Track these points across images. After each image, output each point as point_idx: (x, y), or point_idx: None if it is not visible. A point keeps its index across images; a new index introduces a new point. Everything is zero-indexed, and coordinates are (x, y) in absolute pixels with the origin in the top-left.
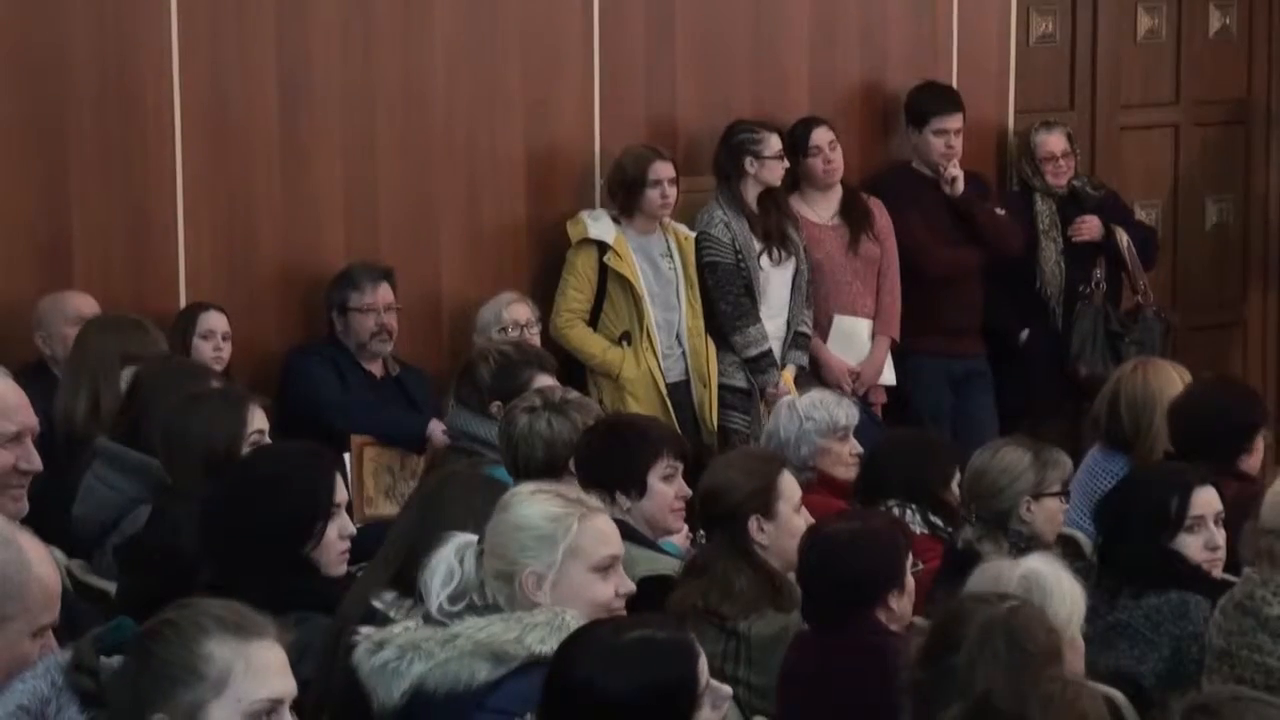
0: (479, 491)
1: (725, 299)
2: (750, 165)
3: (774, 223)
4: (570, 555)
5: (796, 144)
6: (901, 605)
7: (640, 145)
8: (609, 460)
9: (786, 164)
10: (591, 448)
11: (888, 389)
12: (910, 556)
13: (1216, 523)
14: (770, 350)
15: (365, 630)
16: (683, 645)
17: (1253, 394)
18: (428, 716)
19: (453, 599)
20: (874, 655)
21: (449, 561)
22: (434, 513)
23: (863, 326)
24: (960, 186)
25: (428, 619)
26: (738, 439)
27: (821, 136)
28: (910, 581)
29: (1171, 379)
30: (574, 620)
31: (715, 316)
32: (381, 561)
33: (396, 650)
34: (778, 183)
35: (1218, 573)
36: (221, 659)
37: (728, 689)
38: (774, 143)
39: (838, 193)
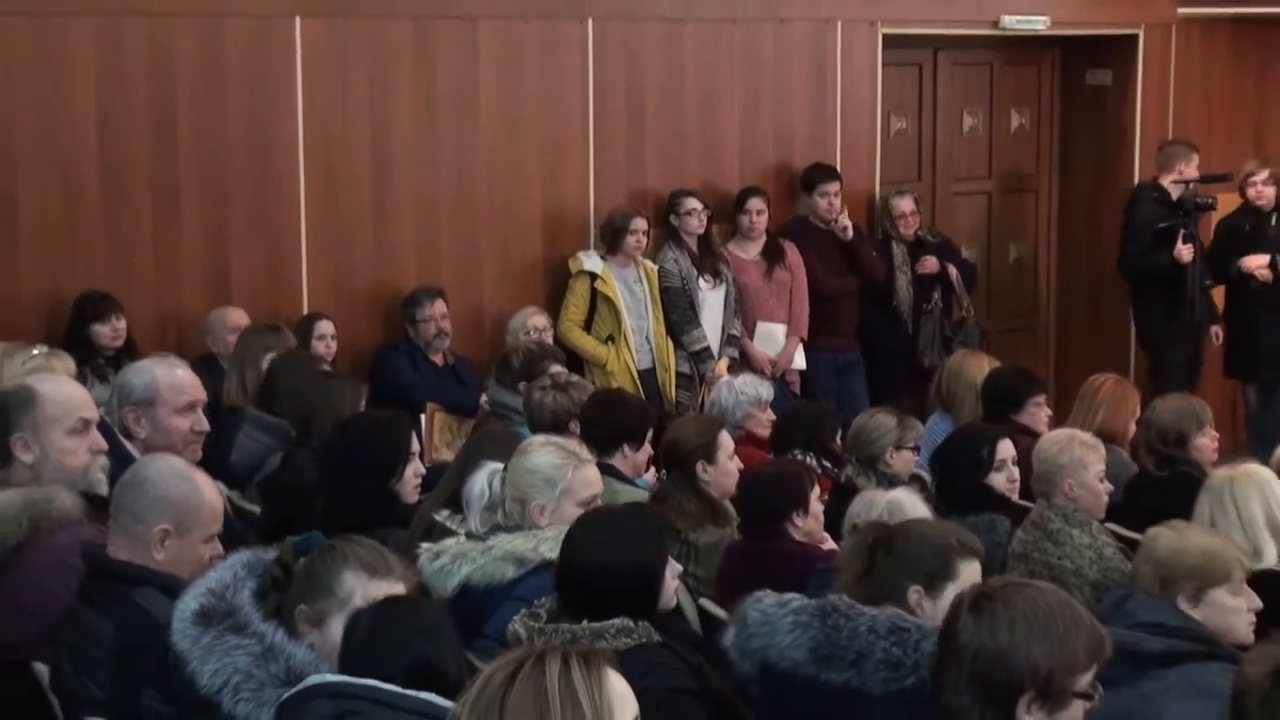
0: (504, 442)
1: (675, 311)
2: (674, 220)
3: (708, 260)
4: (565, 494)
5: (737, 203)
6: (806, 524)
7: (624, 206)
8: (621, 423)
9: (705, 215)
10: (613, 414)
11: (800, 373)
12: (815, 490)
13: (1013, 464)
14: (709, 346)
15: (425, 545)
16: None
17: (1028, 374)
18: (472, 603)
19: (487, 509)
20: (785, 559)
21: (482, 483)
22: (474, 455)
23: (779, 330)
24: (851, 232)
25: (469, 535)
26: (682, 409)
27: (752, 204)
28: (817, 507)
29: (979, 364)
30: None
31: (670, 323)
32: (440, 489)
33: (449, 558)
34: (698, 230)
35: (1015, 499)
36: (349, 586)
37: (678, 566)
38: (687, 203)
39: (763, 239)
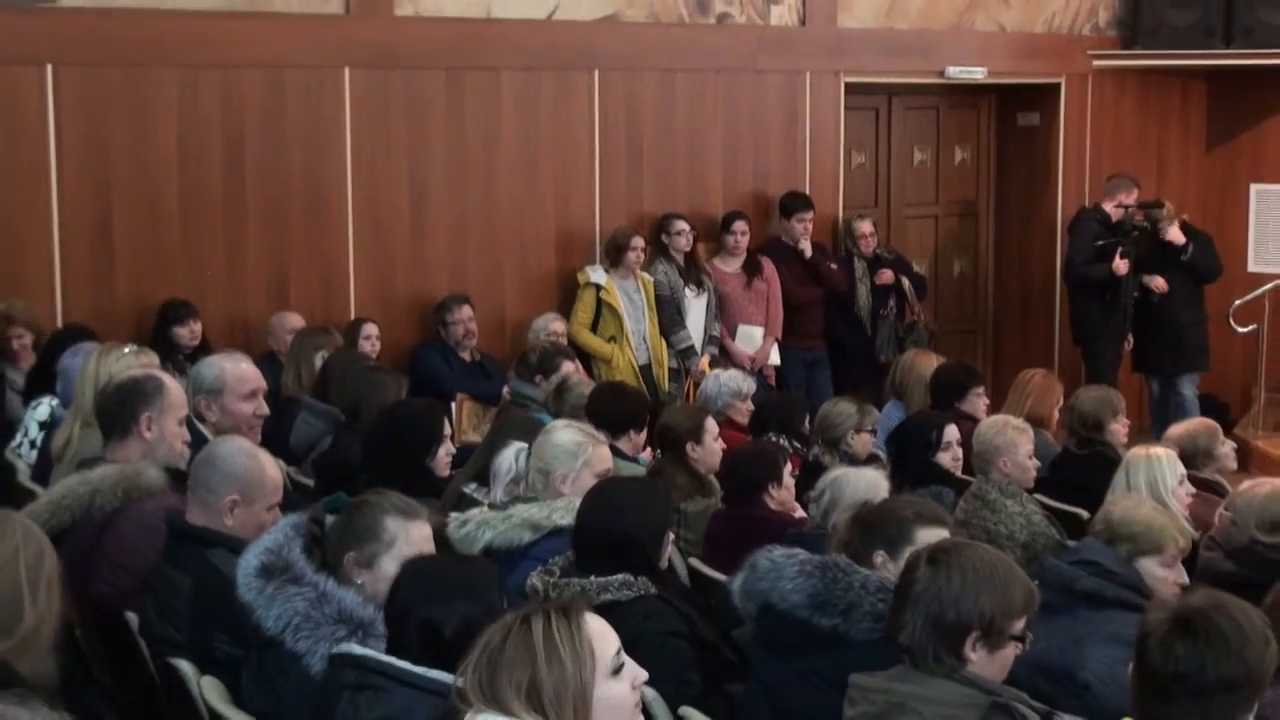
0: (525, 427)
1: (664, 315)
2: (664, 238)
3: (693, 272)
4: (584, 467)
5: (723, 225)
6: (780, 495)
7: (625, 227)
8: (627, 411)
9: (691, 235)
10: (619, 403)
11: (775, 367)
12: (788, 466)
13: (957, 445)
14: (693, 345)
15: (453, 514)
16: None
17: (969, 369)
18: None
19: (513, 482)
20: (762, 524)
21: (510, 459)
22: (499, 438)
23: (757, 331)
24: (810, 252)
25: (492, 506)
26: (671, 398)
27: (737, 226)
28: (789, 481)
29: (928, 360)
30: None
31: (660, 325)
32: (469, 466)
33: (474, 525)
34: (686, 248)
35: (958, 474)
36: (393, 528)
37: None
38: (677, 225)
39: (743, 255)
